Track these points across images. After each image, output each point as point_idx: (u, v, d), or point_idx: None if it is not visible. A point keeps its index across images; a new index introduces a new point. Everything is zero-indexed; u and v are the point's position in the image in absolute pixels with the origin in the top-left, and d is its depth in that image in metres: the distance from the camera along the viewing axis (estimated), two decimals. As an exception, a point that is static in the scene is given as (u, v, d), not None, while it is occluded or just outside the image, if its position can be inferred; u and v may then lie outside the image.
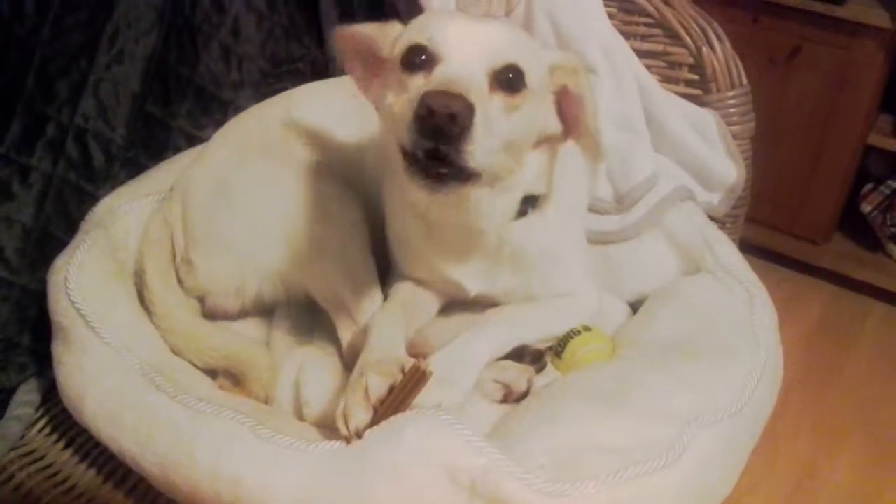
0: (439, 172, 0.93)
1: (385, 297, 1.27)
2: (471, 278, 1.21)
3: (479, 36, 0.99)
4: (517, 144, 1.02)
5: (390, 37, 1.07)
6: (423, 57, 0.98)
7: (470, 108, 0.89)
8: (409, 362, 1.00)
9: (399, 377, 0.98)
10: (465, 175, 0.94)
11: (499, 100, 0.97)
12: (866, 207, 2.48)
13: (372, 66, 1.10)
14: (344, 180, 1.30)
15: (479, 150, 0.91)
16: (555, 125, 1.10)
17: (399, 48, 1.02)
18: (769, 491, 1.86)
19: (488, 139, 0.92)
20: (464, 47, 0.97)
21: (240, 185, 1.29)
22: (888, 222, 2.43)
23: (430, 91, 0.90)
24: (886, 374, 2.25)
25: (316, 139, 1.35)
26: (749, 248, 1.55)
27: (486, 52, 0.98)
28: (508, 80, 0.98)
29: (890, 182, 2.46)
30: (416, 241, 1.21)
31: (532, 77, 1.01)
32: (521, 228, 1.16)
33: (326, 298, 1.26)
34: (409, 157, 0.94)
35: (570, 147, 1.14)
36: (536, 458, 0.94)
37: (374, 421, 0.96)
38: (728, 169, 1.52)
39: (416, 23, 1.05)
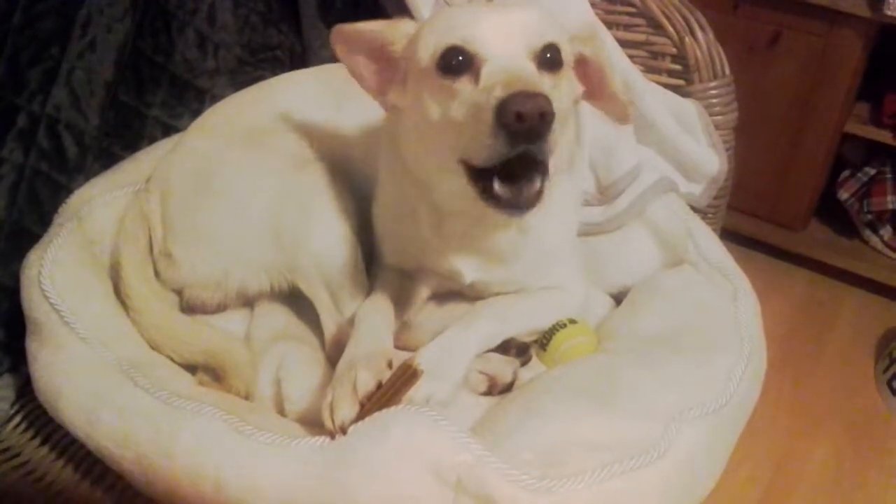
0: (531, 178, 0.92)
1: (371, 288, 1.25)
2: (470, 268, 1.19)
3: (512, 23, 0.98)
4: (563, 122, 1.00)
5: (402, 33, 1.06)
6: (461, 58, 0.96)
7: (549, 101, 0.87)
8: (398, 357, 0.99)
9: (387, 372, 0.98)
10: (546, 172, 0.93)
11: (547, 80, 0.97)
12: (843, 194, 2.50)
13: (383, 66, 1.08)
14: (328, 169, 1.28)
15: (556, 140, 0.90)
16: (578, 90, 1.11)
17: (430, 52, 0.99)
18: (747, 476, 1.89)
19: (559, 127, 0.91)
20: (503, 39, 0.96)
21: (221, 175, 1.27)
22: (865, 209, 2.46)
23: (514, 95, 0.87)
24: (863, 359, 2.28)
25: (297, 128, 1.33)
26: (727, 234, 1.56)
27: (525, 38, 0.97)
28: (549, 59, 0.99)
29: (867, 169, 2.48)
30: (421, 233, 1.19)
31: (566, 50, 1.02)
32: (537, 218, 1.13)
33: (312, 289, 1.24)
34: (481, 174, 0.94)
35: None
36: (523, 453, 0.94)
37: (360, 416, 0.95)
38: (710, 160, 1.52)
39: (440, 22, 1.02)
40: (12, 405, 1.27)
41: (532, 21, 0.99)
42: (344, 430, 0.94)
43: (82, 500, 1.15)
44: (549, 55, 0.99)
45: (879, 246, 2.49)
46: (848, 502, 1.87)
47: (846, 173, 2.52)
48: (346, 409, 0.95)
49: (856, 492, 1.89)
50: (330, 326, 1.23)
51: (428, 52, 0.99)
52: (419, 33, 1.04)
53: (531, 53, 0.97)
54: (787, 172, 2.45)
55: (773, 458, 1.96)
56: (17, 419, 1.25)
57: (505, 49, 0.96)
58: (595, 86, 1.12)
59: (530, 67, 0.96)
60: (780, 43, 2.28)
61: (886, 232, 2.47)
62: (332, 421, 0.94)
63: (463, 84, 0.96)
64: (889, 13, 2.04)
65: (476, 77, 0.95)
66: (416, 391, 0.98)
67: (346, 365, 1.02)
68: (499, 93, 0.88)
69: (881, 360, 2.23)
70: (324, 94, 1.38)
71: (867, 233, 2.51)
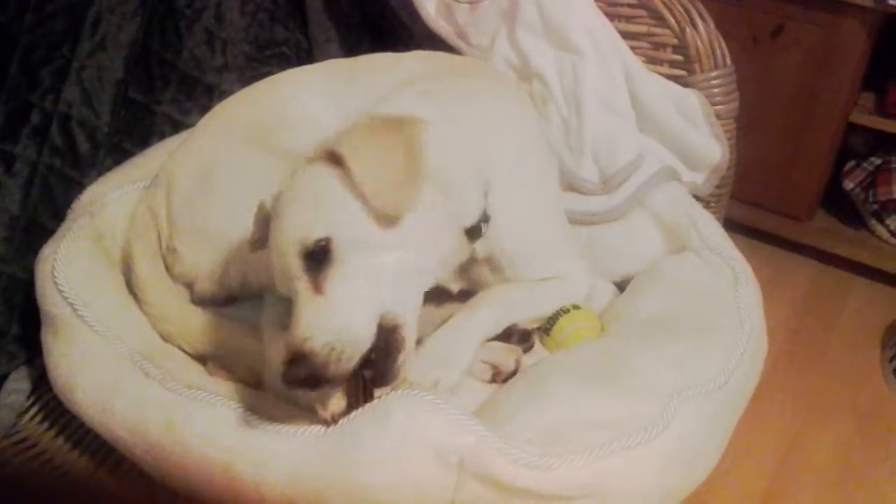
0: None
1: None
2: (452, 282, 1.20)
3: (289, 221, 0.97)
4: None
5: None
6: None
7: (315, 359, 0.89)
8: None
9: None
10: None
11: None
12: (849, 184, 2.49)
13: None
14: None
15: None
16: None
17: None
18: (752, 467, 1.88)
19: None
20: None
21: (223, 174, 1.29)
22: (870, 199, 2.45)
23: (287, 362, 0.90)
24: (869, 349, 2.27)
25: (303, 125, 1.34)
26: (733, 225, 1.56)
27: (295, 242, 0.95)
28: (319, 257, 0.95)
29: (872, 159, 2.47)
30: None
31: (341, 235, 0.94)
32: (483, 245, 1.15)
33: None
34: None
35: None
36: (524, 433, 0.96)
37: (352, 404, 0.97)
38: (712, 149, 1.52)
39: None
40: (28, 396, 1.30)
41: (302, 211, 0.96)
42: (335, 421, 0.96)
43: (98, 488, 1.18)
44: (316, 252, 0.94)
45: (885, 235, 2.48)
46: (854, 490, 1.87)
47: (851, 163, 2.51)
48: (334, 402, 0.97)
49: (862, 480, 1.89)
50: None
51: None
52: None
53: (301, 257, 0.95)
54: (792, 163, 2.45)
55: (779, 447, 1.96)
56: (34, 410, 1.28)
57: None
58: None
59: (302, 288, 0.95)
60: (783, 33, 2.27)
61: (892, 221, 2.46)
62: (324, 412, 0.97)
63: None
64: (893, 2, 2.04)
65: None
66: (425, 376, 1.01)
67: None
68: (283, 352, 0.92)
69: (887, 349, 2.22)
70: (330, 90, 1.39)
71: (873, 222, 2.50)
